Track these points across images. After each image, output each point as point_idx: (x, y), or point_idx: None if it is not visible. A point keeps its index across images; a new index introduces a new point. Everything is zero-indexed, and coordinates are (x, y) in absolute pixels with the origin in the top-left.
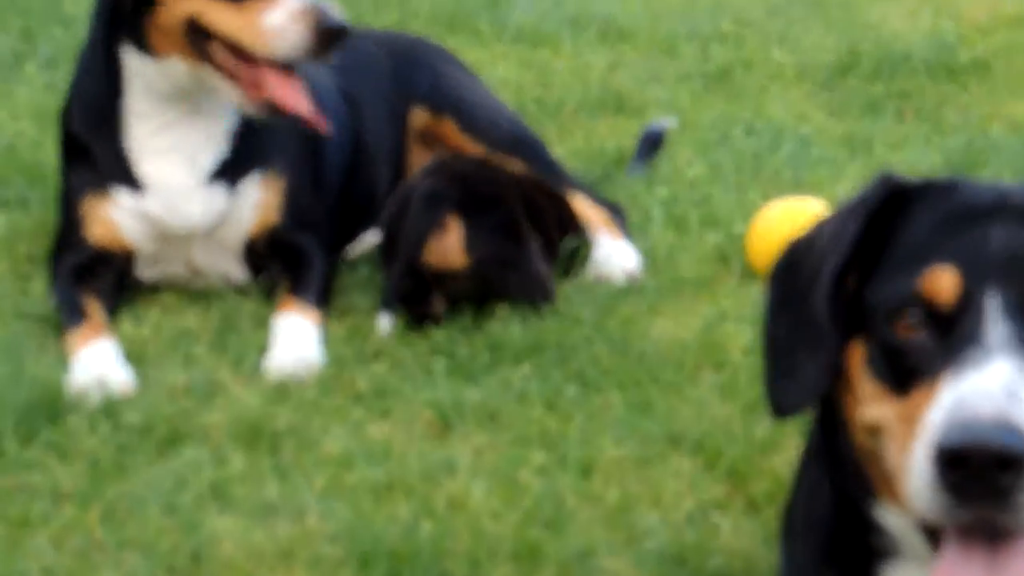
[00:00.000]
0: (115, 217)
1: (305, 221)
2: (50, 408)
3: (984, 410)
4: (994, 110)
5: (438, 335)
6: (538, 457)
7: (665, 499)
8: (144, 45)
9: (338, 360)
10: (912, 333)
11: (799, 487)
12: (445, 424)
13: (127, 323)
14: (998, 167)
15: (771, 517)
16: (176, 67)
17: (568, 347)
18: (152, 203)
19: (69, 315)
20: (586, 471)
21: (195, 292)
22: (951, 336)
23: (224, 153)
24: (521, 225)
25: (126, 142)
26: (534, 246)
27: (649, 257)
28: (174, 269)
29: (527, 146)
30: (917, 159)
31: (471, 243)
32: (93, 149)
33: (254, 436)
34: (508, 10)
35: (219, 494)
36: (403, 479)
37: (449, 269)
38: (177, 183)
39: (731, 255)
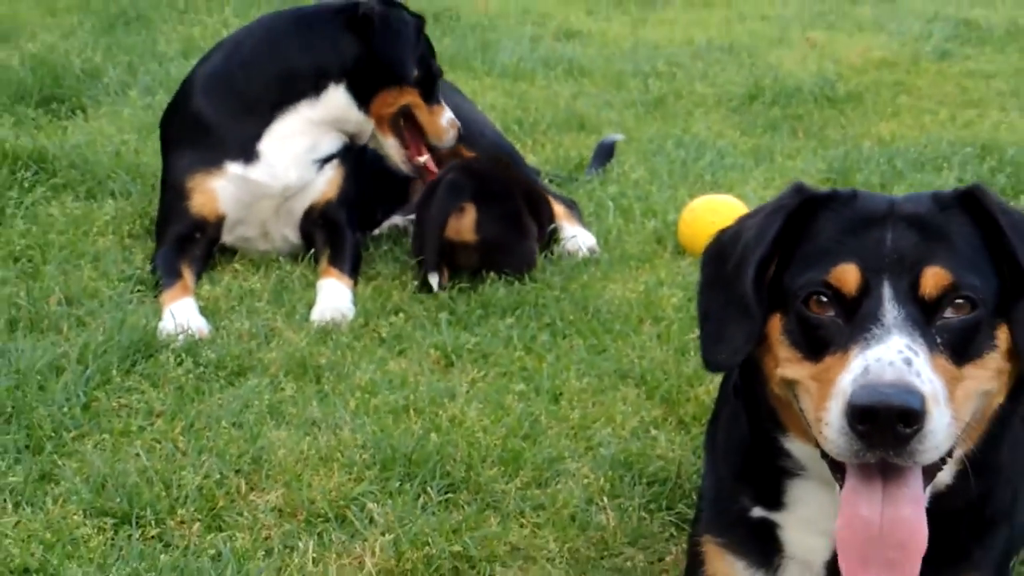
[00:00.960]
0: (216, 187)
1: (347, 201)
2: (146, 348)
3: (887, 375)
4: (865, 130)
5: (442, 296)
6: (519, 387)
7: (615, 419)
8: (363, 105)
9: (366, 313)
10: (823, 310)
11: (719, 413)
12: (448, 362)
13: (206, 285)
14: (868, 173)
15: (697, 434)
16: (367, 124)
17: (542, 305)
18: (259, 172)
19: (167, 277)
20: (555, 397)
21: (258, 261)
22: (855, 317)
23: (327, 149)
24: (522, 215)
25: (265, 132)
26: (532, 231)
27: (603, 238)
28: (250, 232)
29: (505, 154)
30: (807, 166)
31: (481, 225)
32: (220, 131)
33: (302, 369)
34: (496, 53)
35: (275, 413)
36: (415, 403)
37: (462, 243)
38: (286, 160)
39: (666, 237)
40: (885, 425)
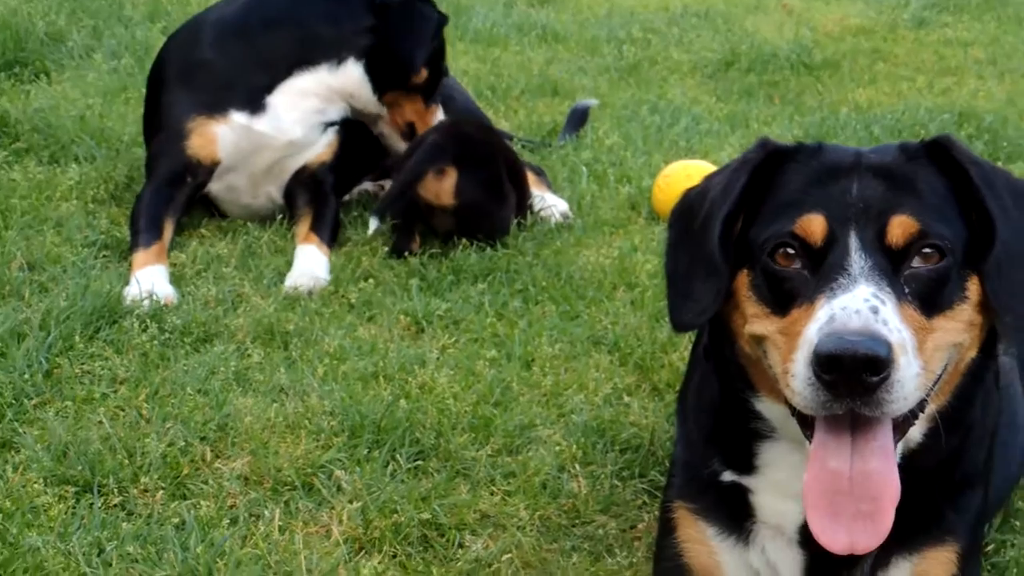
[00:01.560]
0: (217, 131)
1: (336, 168)
2: (110, 314)
3: (853, 323)
4: (841, 97)
5: (413, 261)
6: (490, 353)
7: (588, 385)
8: (377, 90)
9: (336, 279)
10: (789, 263)
11: (690, 377)
12: (418, 328)
13: (173, 251)
14: (844, 139)
15: (670, 400)
16: (378, 108)
17: (514, 271)
18: (264, 123)
19: (146, 232)
20: (527, 364)
21: (225, 227)
22: (822, 267)
23: (334, 115)
24: (503, 182)
25: (277, 87)
26: (511, 199)
27: (576, 204)
28: (239, 183)
29: (474, 117)
30: (783, 132)
31: (460, 189)
32: (228, 78)
33: (269, 336)
34: (468, 18)
35: (241, 380)
36: (385, 369)
37: (439, 206)
38: (295, 116)
39: (640, 203)
40: (851, 374)
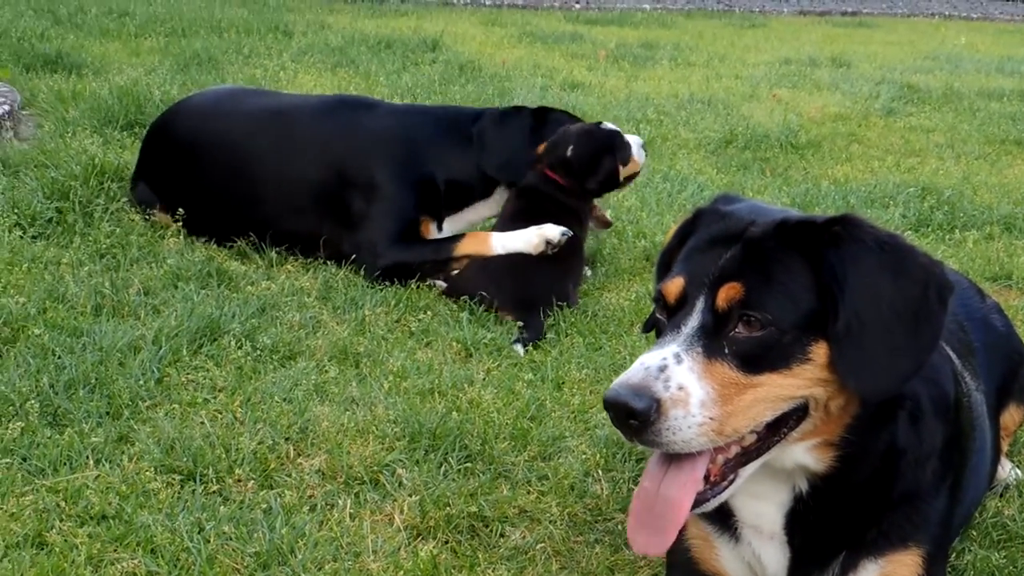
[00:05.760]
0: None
1: None
2: (211, 333)
3: (633, 378)
4: (823, 172)
5: (462, 299)
6: (527, 376)
7: None
8: None
9: (400, 310)
10: (664, 314)
11: None
12: (467, 353)
13: (265, 282)
14: (825, 207)
15: None
16: None
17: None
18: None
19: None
20: (559, 385)
21: (307, 263)
22: (671, 322)
23: None
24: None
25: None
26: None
27: (600, 255)
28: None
29: None
30: (774, 200)
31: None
32: None
33: (343, 355)
34: (511, 99)
35: (319, 391)
36: (439, 386)
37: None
38: None
39: (653, 255)
40: (621, 417)
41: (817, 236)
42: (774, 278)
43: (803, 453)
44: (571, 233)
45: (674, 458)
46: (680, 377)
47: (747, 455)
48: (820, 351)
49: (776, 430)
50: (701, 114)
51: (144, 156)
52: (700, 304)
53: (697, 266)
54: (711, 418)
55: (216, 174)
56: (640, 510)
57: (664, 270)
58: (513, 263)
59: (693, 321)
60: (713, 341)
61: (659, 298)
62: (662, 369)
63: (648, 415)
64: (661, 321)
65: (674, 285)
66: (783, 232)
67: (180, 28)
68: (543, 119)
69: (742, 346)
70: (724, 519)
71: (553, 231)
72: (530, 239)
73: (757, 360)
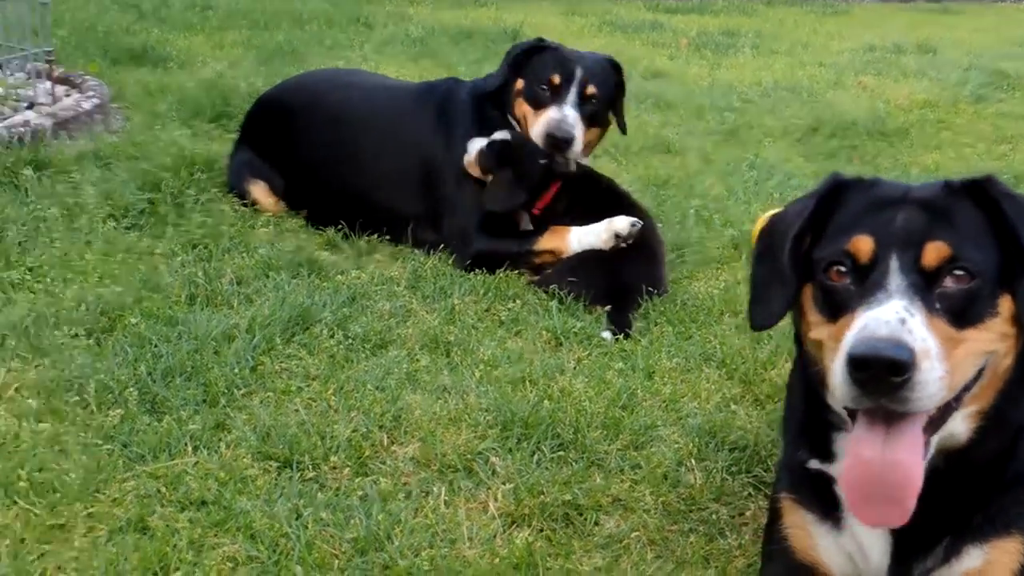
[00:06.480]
0: None
1: None
2: (303, 321)
3: (882, 331)
4: (912, 159)
5: (551, 286)
6: (618, 365)
7: (701, 394)
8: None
9: (489, 299)
10: (841, 279)
11: (788, 396)
12: (557, 342)
13: (355, 271)
14: None
15: (771, 409)
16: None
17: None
18: None
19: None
20: (649, 375)
21: (395, 252)
22: (865, 283)
23: None
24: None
25: None
26: None
27: (688, 244)
28: None
29: None
30: None
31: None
32: None
33: (434, 344)
34: None
35: (412, 380)
36: (531, 375)
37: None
38: None
39: (741, 244)
40: (878, 374)
41: (985, 193)
42: (966, 233)
43: (960, 421)
44: (641, 224)
45: (891, 421)
46: (920, 330)
47: (932, 423)
48: (1006, 304)
49: (959, 394)
50: (786, 102)
51: (250, 123)
52: (895, 263)
53: (876, 226)
54: (947, 372)
55: (324, 139)
56: (864, 482)
57: (799, 240)
58: (600, 254)
59: (898, 279)
60: (925, 297)
61: (842, 258)
62: (902, 322)
63: (910, 367)
64: (832, 286)
65: (865, 244)
66: (953, 192)
67: (262, 21)
68: None
69: (951, 301)
70: (827, 507)
71: (622, 223)
72: (600, 233)
73: (962, 314)
